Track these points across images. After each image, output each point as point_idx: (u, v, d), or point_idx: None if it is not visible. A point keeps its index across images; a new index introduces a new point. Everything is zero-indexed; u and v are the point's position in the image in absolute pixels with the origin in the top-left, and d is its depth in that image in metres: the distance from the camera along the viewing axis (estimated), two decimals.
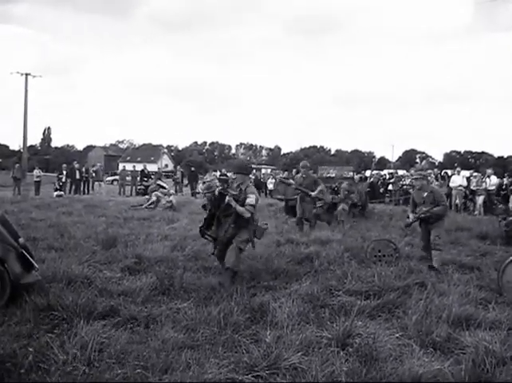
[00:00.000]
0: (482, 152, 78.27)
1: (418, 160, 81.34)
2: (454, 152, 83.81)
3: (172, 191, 17.45)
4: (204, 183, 18.29)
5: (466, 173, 20.03)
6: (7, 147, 76.41)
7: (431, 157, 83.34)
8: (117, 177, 28.17)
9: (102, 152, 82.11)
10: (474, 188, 16.14)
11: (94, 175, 22.32)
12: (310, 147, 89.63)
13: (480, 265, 6.71)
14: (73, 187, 21.34)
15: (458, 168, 18.69)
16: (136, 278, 5.38)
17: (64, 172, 20.85)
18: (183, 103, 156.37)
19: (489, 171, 16.78)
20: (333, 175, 13.89)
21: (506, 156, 70.48)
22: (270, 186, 21.85)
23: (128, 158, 74.40)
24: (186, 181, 25.07)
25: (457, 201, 16.36)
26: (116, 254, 6.53)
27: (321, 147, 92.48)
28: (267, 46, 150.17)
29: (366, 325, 4.06)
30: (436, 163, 69.68)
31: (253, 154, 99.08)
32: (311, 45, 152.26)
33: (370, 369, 3.24)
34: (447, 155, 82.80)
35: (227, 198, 5.36)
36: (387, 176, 21.75)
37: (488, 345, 3.50)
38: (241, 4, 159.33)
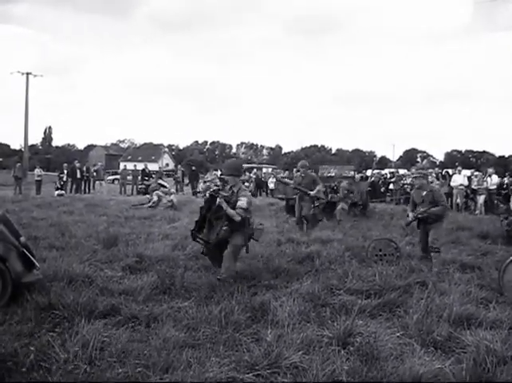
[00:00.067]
0: (483, 152, 78.28)
1: (419, 160, 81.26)
2: (455, 151, 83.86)
3: (173, 190, 17.44)
4: (205, 182, 18.35)
5: (467, 172, 19.99)
6: (8, 146, 76.71)
7: (431, 156, 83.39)
8: (118, 176, 28.23)
9: (103, 152, 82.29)
10: (475, 187, 16.10)
11: (95, 174, 22.34)
12: (311, 146, 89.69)
13: (481, 264, 6.68)
14: (74, 186, 21.36)
15: (459, 168, 18.72)
16: (137, 277, 5.37)
17: (66, 171, 20.85)
18: (183, 103, 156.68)
19: (490, 170, 16.76)
20: (333, 174, 13.79)
21: (507, 156, 70.67)
22: (271, 185, 21.82)
23: (129, 157, 74.55)
24: (187, 180, 25.10)
25: (458, 200, 16.35)
26: (116, 253, 6.53)
27: (322, 146, 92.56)
28: (267, 46, 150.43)
29: (367, 325, 4.05)
30: (437, 163, 69.69)
31: (254, 153, 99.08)
32: (311, 45, 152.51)
33: (371, 368, 3.24)
34: (448, 155, 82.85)
35: (218, 199, 5.27)
36: (388, 176, 21.78)
37: (489, 345, 3.49)
38: (241, 4, 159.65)
